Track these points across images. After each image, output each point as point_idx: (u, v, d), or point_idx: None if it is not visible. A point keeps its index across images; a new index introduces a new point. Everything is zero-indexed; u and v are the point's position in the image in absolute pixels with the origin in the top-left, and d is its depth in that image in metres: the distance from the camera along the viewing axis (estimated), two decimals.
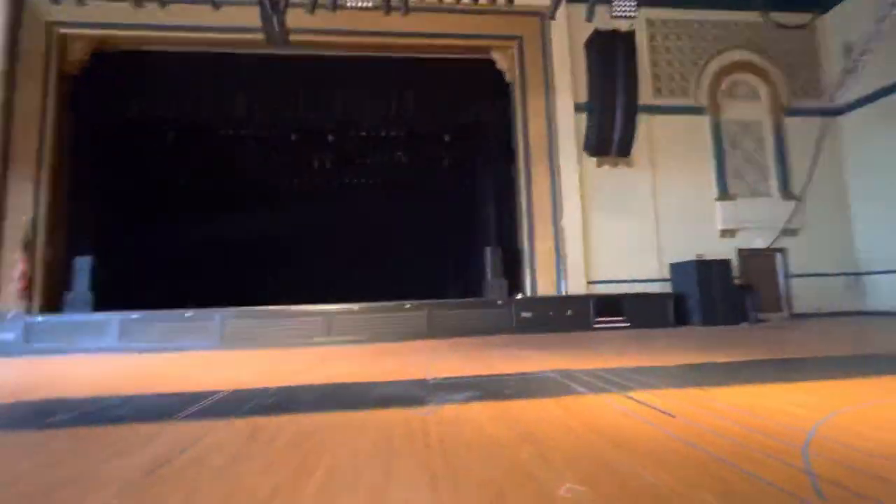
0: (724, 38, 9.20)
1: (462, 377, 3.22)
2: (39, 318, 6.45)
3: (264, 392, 2.91)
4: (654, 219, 8.48)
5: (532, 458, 1.51)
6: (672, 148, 8.75)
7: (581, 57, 8.08)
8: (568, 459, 1.50)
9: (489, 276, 8.35)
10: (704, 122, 9.00)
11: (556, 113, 8.25)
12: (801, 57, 9.39)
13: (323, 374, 3.70)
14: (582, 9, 7.43)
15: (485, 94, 9.02)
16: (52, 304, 7.25)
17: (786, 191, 8.92)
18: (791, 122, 9.17)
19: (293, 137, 9.56)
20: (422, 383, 3.05)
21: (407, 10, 5.96)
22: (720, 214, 8.67)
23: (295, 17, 6.85)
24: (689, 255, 8.08)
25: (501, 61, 8.69)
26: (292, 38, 7.51)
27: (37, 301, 7.20)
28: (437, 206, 10.94)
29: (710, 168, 8.87)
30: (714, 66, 9.08)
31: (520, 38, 8.46)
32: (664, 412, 2.03)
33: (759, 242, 8.71)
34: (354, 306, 6.73)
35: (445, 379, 3.16)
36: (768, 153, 9.08)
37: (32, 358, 5.84)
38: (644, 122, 8.27)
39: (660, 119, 8.75)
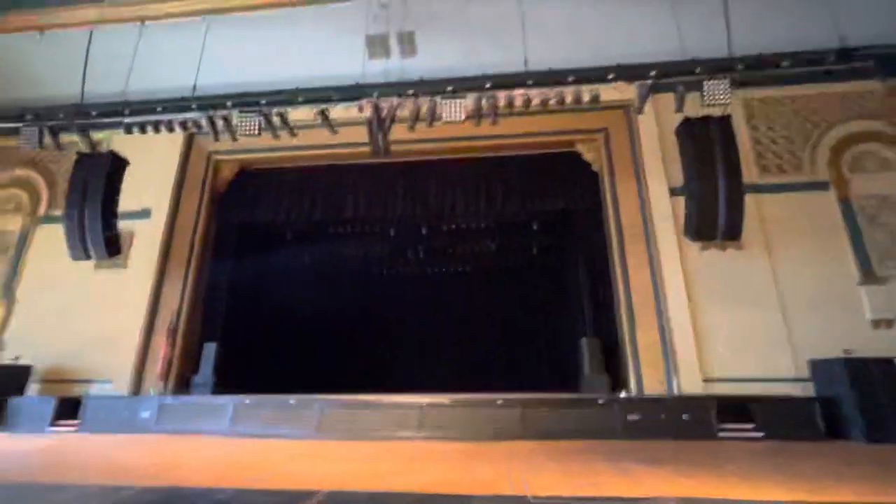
0: (836, 109, 8.50)
1: (566, 498, 2.88)
2: (169, 400, 7.25)
3: (358, 497, 2.87)
4: (779, 307, 7.41)
5: None
6: (791, 228, 7.86)
7: (672, 141, 7.93)
8: None
9: (587, 370, 7.78)
10: (828, 197, 8.05)
11: (650, 199, 8.01)
12: None
13: (416, 480, 3.56)
14: (669, 97, 7.50)
15: (571, 182, 9.16)
16: (184, 386, 8.17)
17: None
18: None
19: (391, 232, 10.39)
20: (522, 501, 2.78)
21: (495, 119, 6.50)
22: (868, 301, 7.31)
23: (396, 131, 7.79)
24: (832, 351, 6.79)
25: (587, 153, 8.88)
26: (393, 148, 8.53)
27: (171, 382, 8.15)
28: (527, 295, 10.80)
29: (845, 248, 7.72)
30: (830, 139, 8.32)
31: (605, 130, 8.67)
32: None
33: None
34: (446, 399, 6.57)
35: (547, 499, 2.85)
36: None
37: (162, 435, 6.49)
38: (752, 203, 7.64)
39: (771, 198, 8.02)
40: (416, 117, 6.64)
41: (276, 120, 7.02)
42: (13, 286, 9.02)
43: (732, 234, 6.45)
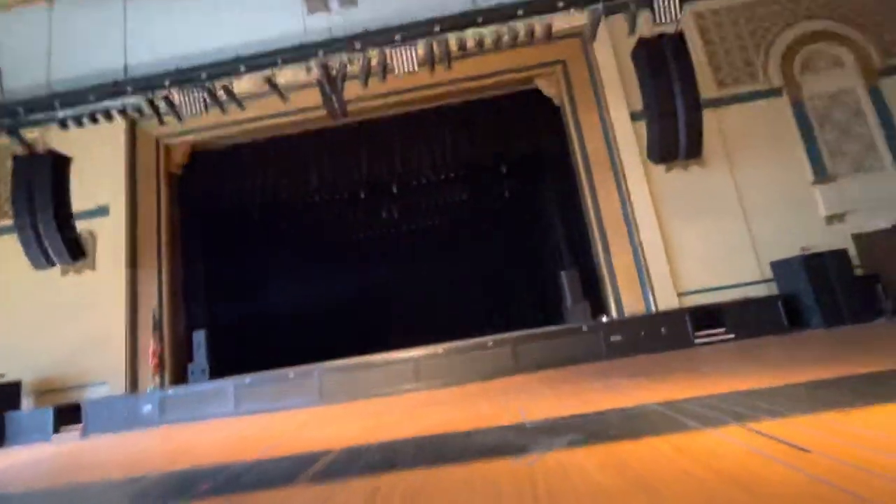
0: (785, 12, 8.51)
1: (559, 418, 3.14)
2: (170, 391, 7.33)
3: (369, 449, 3.05)
4: (743, 216, 7.78)
5: None
6: (749, 137, 8.10)
7: (630, 64, 7.90)
8: None
9: (569, 300, 8.10)
10: (782, 102, 8.25)
11: (613, 126, 8.06)
12: (886, 10, 8.37)
13: (419, 425, 3.79)
14: (623, 19, 7.37)
15: (535, 121, 9.10)
16: (179, 376, 8.23)
17: None
18: (891, 83, 8.11)
19: (361, 195, 10.23)
20: (519, 428, 3.02)
21: (450, 64, 6.29)
22: (822, 199, 7.74)
23: (350, 90, 7.48)
24: (793, 251, 7.26)
25: (547, 87, 8.76)
26: (350, 107, 8.21)
27: (167, 375, 8.19)
28: (505, 238, 10.98)
29: (798, 150, 8.03)
30: (781, 43, 8.39)
31: (563, 62, 8.52)
32: (797, 446, 1.83)
33: (881, 223, 7.59)
34: (439, 348, 6.84)
35: (542, 421, 3.10)
36: (870, 122, 8.04)
37: (168, 426, 6.63)
38: (712, 117, 7.79)
39: (729, 110, 8.18)
40: (367, 72, 6.37)
41: (221, 94, 6.64)
42: None
43: (693, 152, 6.62)
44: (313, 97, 7.60)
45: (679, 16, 5.78)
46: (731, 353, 5.38)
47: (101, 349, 8.14)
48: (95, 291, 8.44)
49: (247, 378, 6.97)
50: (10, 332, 8.46)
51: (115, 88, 6.48)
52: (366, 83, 6.55)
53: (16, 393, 7.83)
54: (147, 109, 6.49)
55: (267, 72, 6.45)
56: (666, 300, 7.51)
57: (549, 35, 6.17)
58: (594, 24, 6.15)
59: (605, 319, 7.38)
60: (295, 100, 8.04)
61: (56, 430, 7.14)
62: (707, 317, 6.82)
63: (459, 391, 5.60)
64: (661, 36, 6.43)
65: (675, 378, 4.15)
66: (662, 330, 6.67)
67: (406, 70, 5.92)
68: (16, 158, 6.86)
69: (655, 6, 5.88)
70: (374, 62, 6.24)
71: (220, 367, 8.19)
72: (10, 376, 7.94)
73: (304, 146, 9.47)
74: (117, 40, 7.23)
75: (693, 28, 8.39)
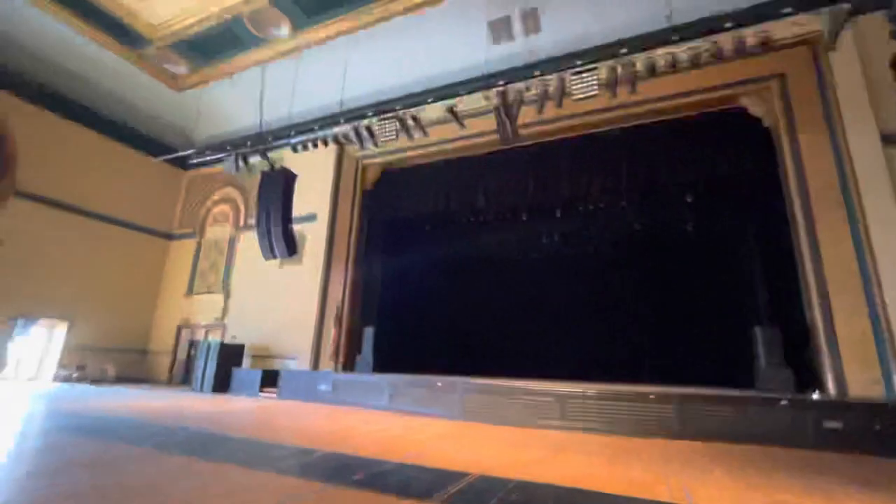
0: None
1: None
2: (341, 376, 8.46)
3: (506, 485, 2.95)
4: None
5: None
6: None
7: (883, 78, 6.18)
8: None
9: (763, 362, 6.66)
10: None
11: (851, 154, 6.36)
12: None
13: (560, 471, 3.52)
14: (876, 20, 5.80)
15: (734, 145, 7.79)
16: (350, 364, 9.46)
17: None
18: None
19: (524, 217, 10.27)
20: None
21: (634, 87, 5.86)
22: None
23: (523, 114, 7.61)
24: None
25: (755, 106, 7.42)
26: (523, 131, 8.36)
27: (341, 361, 9.52)
28: (682, 276, 9.64)
29: None
30: None
31: (781, 76, 7.11)
32: None
33: None
34: (588, 390, 6.30)
35: None
36: None
37: (337, 406, 7.64)
38: None
39: None
40: (544, 98, 6.39)
41: (410, 122, 7.50)
42: (229, 282, 11.54)
43: None
44: (486, 122, 7.98)
45: None
46: None
47: (297, 330, 9.92)
48: (299, 283, 10.37)
49: (401, 379, 7.59)
50: (244, 305, 11.02)
51: (332, 120, 7.91)
52: (541, 110, 6.57)
53: (241, 353, 10.12)
54: (353, 136, 7.73)
55: (450, 102, 7.02)
56: None
57: (766, 46, 5.22)
58: (836, 29, 4.97)
59: (816, 396, 5.79)
60: (473, 125, 8.57)
61: (261, 389, 8.95)
62: None
63: (608, 442, 5.05)
64: None
65: None
66: None
67: (585, 95, 5.73)
68: (263, 174, 8.96)
69: None
70: (551, 88, 6.22)
71: (382, 359, 9.16)
72: (239, 340, 10.30)
73: (475, 168, 10.00)
74: (339, 80, 8.85)
75: None
